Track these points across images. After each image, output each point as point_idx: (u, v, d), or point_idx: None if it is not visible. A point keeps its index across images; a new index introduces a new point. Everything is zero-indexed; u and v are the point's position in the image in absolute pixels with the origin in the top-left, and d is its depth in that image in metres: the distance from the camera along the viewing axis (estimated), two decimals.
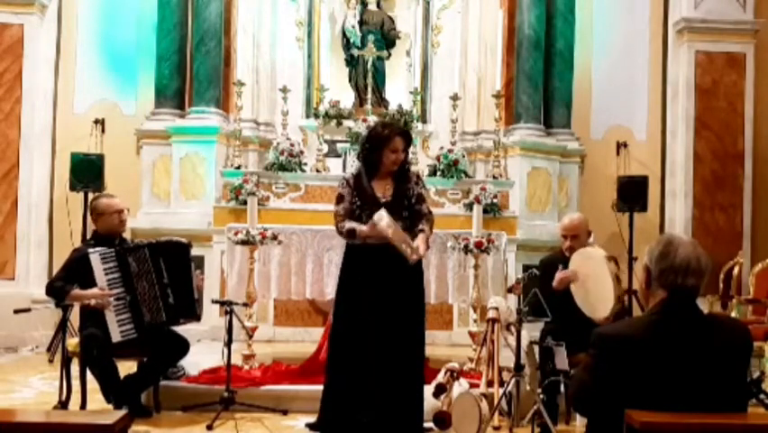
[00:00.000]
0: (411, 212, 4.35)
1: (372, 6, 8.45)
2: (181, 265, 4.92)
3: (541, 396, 4.27)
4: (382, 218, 4.19)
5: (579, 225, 4.96)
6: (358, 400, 4.24)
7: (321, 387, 4.53)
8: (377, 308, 4.25)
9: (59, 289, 4.72)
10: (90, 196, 7.50)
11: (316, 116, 7.88)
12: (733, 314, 6.56)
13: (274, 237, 5.56)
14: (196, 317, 5.04)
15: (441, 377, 4.74)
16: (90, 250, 4.76)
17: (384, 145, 4.35)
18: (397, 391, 4.26)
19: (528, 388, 4.50)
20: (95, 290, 4.67)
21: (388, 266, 4.27)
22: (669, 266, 2.48)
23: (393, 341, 4.26)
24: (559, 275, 4.78)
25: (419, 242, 4.32)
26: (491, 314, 5.02)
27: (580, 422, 4.67)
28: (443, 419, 4.48)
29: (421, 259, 4.44)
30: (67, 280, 4.75)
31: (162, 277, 4.83)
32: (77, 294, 4.70)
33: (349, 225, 4.33)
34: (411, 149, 4.71)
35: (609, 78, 8.58)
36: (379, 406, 4.22)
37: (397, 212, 4.33)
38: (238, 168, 7.53)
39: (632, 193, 7.81)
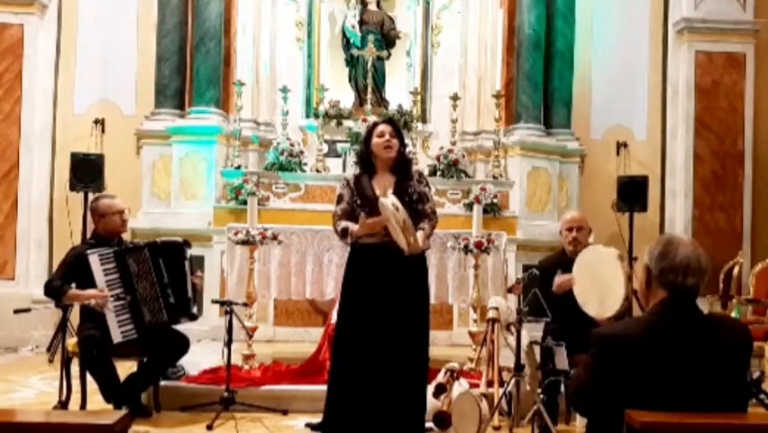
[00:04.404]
0: (413, 211, 4.25)
1: (372, 6, 8.45)
2: (179, 264, 4.92)
3: (541, 396, 4.27)
4: (389, 202, 4.08)
5: (583, 218, 5.08)
6: (362, 401, 4.23)
7: (321, 387, 4.52)
8: (381, 310, 4.23)
9: (56, 288, 4.70)
10: (90, 196, 7.53)
11: (316, 116, 7.87)
12: (733, 314, 6.55)
13: (274, 237, 5.56)
14: (192, 315, 5.02)
15: (441, 377, 4.74)
16: (89, 251, 4.73)
17: (371, 135, 4.39)
18: (401, 393, 4.25)
19: (528, 388, 4.50)
20: (93, 291, 4.66)
21: (393, 267, 4.26)
22: (669, 266, 2.48)
23: (397, 343, 4.24)
24: (558, 280, 4.77)
25: (418, 237, 4.26)
26: (491, 314, 5.02)
27: (580, 422, 4.66)
28: (443, 419, 4.48)
29: (425, 258, 4.44)
30: (65, 280, 4.74)
31: (162, 277, 4.82)
32: (75, 294, 4.70)
33: (343, 224, 4.33)
34: (411, 149, 4.70)
35: (609, 78, 8.58)
36: (382, 407, 4.21)
37: None
38: (238, 168, 7.53)
39: (632, 193, 7.81)
